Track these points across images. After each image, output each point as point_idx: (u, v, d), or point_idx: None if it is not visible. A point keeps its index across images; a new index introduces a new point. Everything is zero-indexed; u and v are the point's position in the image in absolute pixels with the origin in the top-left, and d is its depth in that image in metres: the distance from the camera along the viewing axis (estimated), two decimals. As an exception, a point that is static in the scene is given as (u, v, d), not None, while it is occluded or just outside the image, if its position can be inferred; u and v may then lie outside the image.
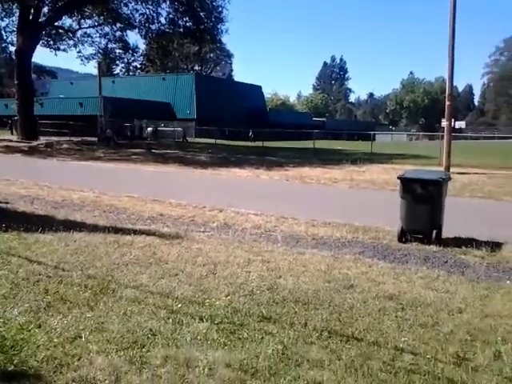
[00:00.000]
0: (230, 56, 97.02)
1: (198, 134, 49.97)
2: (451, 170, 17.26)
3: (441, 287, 5.20)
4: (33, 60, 38.00)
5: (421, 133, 76.61)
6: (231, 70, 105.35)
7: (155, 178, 16.39)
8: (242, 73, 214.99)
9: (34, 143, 31.18)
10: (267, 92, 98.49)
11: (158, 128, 46.61)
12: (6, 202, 9.96)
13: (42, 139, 34.18)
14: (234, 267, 5.74)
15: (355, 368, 3.39)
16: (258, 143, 35.52)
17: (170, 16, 36.99)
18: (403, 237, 7.30)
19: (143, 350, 3.59)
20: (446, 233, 7.35)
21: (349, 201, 11.99)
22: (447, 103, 18.74)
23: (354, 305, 4.61)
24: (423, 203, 7.17)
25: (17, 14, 34.58)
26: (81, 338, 3.76)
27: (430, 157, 23.79)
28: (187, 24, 37.19)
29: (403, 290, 5.05)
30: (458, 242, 7.09)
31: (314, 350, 3.65)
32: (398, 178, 7.55)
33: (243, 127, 48.41)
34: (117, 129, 38.36)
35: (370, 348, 3.71)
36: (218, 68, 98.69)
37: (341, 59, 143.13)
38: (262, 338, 3.84)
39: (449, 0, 17.83)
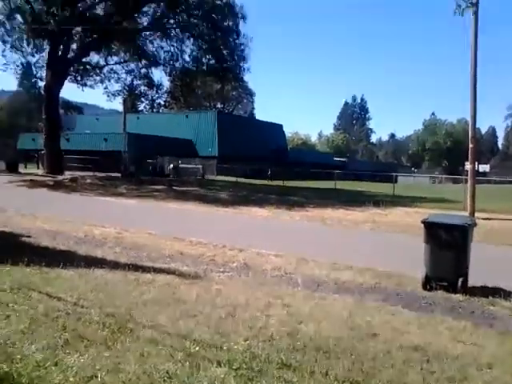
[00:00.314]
0: (251, 94, 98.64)
1: (220, 172, 50.42)
2: (476, 214, 16.96)
3: (468, 339, 5.01)
4: (60, 95, 39.23)
5: (444, 176, 76.00)
6: (253, 108, 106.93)
7: (176, 216, 16.46)
8: (263, 111, 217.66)
9: (60, 178, 31.76)
10: (288, 131, 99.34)
11: (180, 165, 47.23)
12: (29, 236, 10.09)
13: (67, 174, 34.83)
14: (254, 310, 5.64)
15: (379, 424, 3.24)
16: (278, 182, 35.60)
17: (194, 54, 38.04)
18: (428, 284, 7.11)
19: (160, 393, 3.51)
20: (472, 281, 7.14)
21: (371, 244, 11.81)
22: (470, 146, 18.56)
23: (377, 355, 4.45)
24: (448, 249, 7.01)
25: (47, 50, 35.86)
26: (97, 377, 3.70)
27: (453, 201, 23.46)
28: (210, 62, 38.13)
29: (428, 341, 4.88)
30: (485, 292, 6.87)
31: (335, 402, 3.52)
32: (421, 222, 7.42)
33: (265, 165, 48.73)
34: (140, 165, 38.94)
35: (395, 402, 3.55)
36: (240, 106, 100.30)
37: (362, 99, 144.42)
38: (282, 386, 3.72)
39: (470, 40, 17.94)
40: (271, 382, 3.79)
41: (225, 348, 4.41)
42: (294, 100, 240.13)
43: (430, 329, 5.31)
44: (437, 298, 6.71)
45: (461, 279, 6.92)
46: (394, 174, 34.69)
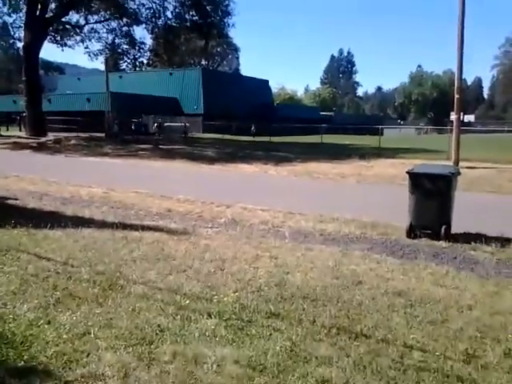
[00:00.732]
0: (236, 50, 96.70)
1: (206, 130, 49.98)
2: (460, 164, 17.13)
3: (450, 284, 5.17)
4: (40, 56, 38.19)
5: (429, 127, 76.13)
6: (238, 64, 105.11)
7: (162, 174, 16.41)
8: (248, 67, 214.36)
9: (43, 139, 31.31)
10: (274, 86, 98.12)
11: (165, 123, 46.64)
12: (16, 199, 10.03)
13: (51, 135, 34.30)
14: (242, 263, 5.74)
15: (364, 365, 3.38)
16: (265, 138, 35.44)
17: (177, 10, 37.06)
18: (412, 232, 7.25)
19: (151, 346, 3.61)
20: (456, 228, 7.29)
21: (357, 196, 11.94)
22: (456, 96, 18.58)
23: (363, 301, 4.59)
24: (432, 198, 7.12)
25: (24, 10, 34.68)
26: (90, 334, 3.78)
27: (438, 151, 23.61)
28: (194, 18, 37.16)
29: (412, 287, 5.03)
30: (468, 238, 7.03)
31: (322, 347, 3.65)
32: (406, 172, 7.50)
33: (251, 122, 48.33)
34: (124, 124, 38.41)
35: (379, 345, 3.69)
36: (225, 62, 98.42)
37: (348, 52, 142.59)
38: (271, 334, 3.84)
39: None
40: (260, 330, 3.90)
41: (215, 300, 4.51)
42: (280, 55, 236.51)
43: (413, 275, 5.45)
44: (420, 245, 6.86)
45: (444, 227, 7.06)
46: (380, 126, 34.61)
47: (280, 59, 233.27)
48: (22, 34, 35.65)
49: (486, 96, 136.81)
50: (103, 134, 36.14)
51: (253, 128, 43.61)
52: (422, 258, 6.23)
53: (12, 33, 40.16)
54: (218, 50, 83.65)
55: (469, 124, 69.65)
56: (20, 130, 43.39)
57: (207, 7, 36.79)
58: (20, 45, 39.18)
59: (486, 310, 4.42)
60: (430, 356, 3.54)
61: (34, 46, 34.11)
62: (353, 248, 6.68)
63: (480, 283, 5.22)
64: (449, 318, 4.25)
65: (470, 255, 6.40)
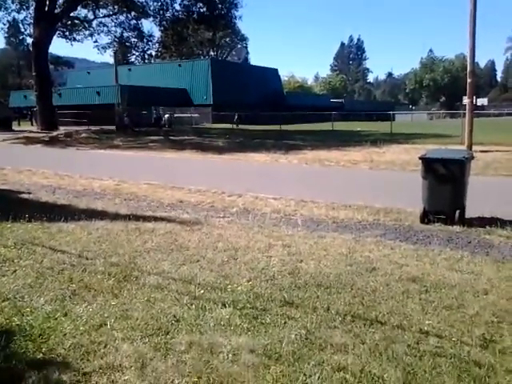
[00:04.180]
0: (244, 39, 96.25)
1: (215, 120, 49.91)
2: (474, 148, 16.92)
3: (465, 268, 5.13)
4: (50, 51, 38.45)
5: (442, 111, 75.27)
6: (247, 53, 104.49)
7: (173, 165, 16.45)
8: (258, 56, 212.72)
9: (54, 133, 31.52)
10: (284, 75, 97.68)
11: (175, 115, 46.66)
12: (29, 193, 10.12)
13: (62, 129, 34.54)
14: (255, 252, 5.74)
15: (379, 352, 3.36)
16: (275, 127, 35.24)
17: (184, 3, 36.90)
18: (425, 218, 7.20)
19: (167, 336, 3.62)
20: (470, 213, 7.23)
21: (369, 182, 11.87)
22: (468, 80, 18.30)
23: (377, 288, 4.57)
24: (446, 183, 7.05)
25: (33, 6, 34.85)
26: (106, 325, 3.80)
27: (451, 135, 23.35)
28: (201, 10, 37.04)
29: (427, 272, 4.99)
30: (482, 222, 6.97)
31: (337, 334, 3.64)
32: (419, 158, 7.43)
33: (261, 111, 48.13)
34: (134, 116, 38.50)
35: (394, 331, 3.68)
36: (234, 53, 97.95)
37: (358, 39, 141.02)
38: (285, 322, 3.84)
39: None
40: (275, 319, 3.91)
41: (229, 290, 4.52)
42: (289, 43, 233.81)
43: (427, 260, 5.42)
44: (434, 230, 6.81)
45: (458, 211, 7.00)
46: (392, 112, 34.30)
47: (289, 48, 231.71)
48: (32, 30, 35.84)
49: (499, 79, 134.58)
50: (114, 127, 36.30)
51: (236, 117, 43.32)
52: (436, 243, 6.19)
53: (22, 29, 40.40)
54: (227, 40, 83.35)
55: (482, 107, 68.76)
56: (31, 125, 43.78)
57: (214, -1, 36.72)
58: (30, 41, 39.38)
59: (503, 295, 4.38)
60: (446, 342, 3.51)
61: (43, 41, 34.32)
62: (366, 235, 6.65)
63: (496, 267, 5.17)
64: (464, 302, 4.21)
65: (484, 239, 6.34)
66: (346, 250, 5.79)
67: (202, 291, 4.49)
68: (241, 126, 39.97)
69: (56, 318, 3.92)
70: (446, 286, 4.59)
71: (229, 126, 40.27)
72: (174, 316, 3.96)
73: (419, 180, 7.40)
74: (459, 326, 3.76)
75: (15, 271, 5.07)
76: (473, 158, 7.79)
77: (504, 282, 4.69)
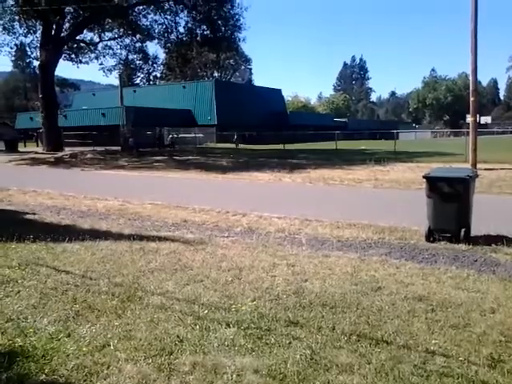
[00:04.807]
0: (248, 61, 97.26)
1: (220, 139, 50.22)
2: (478, 166, 16.92)
3: (471, 287, 5.08)
4: (56, 73, 38.96)
5: (446, 130, 75.41)
6: (251, 75, 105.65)
7: (178, 185, 16.49)
8: (261, 77, 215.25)
9: (59, 154, 31.73)
10: (288, 95, 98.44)
11: (180, 135, 46.99)
12: (34, 213, 10.15)
13: (67, 150, 34.78)
14: (259, 272, 5.71)
15: (386, 372, 3.32)
16: (279, 146, 35.35)
17: (188, 25, 37.44)
18: (431, 236, 7.16)
19: (171, 357, 3.59)
20: (475, 231, 7.18)
21: (373, 201, 11.85)
22: (471, 99, 18.37)
23: (383, 307, 4.53)
24: (450, 202, 7.03)
25: (40, 31, 35.50)
26: (109, 346, 3.78)
27: (455, 154, 23.35)
28: (205, 33, 37.58)
29: (433, 291, 4.95)
30: (488, 240, 6.91)
31: (342, 354, 3.60)
32: (423, 176, 7.42)
33: (264, 131, 48.41)
34: (139, 137, 38.79)
35: (401, 351, 3.63)
36: (238, 74, 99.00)
37: (361, 59, 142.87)
38: (290, 342, 3.80)
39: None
40: (280, 339, 3.87)
41: (233, 310, 4.49)
42: (292, 64, 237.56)
43: (433, 279, 5.37)
44: (440, 249, 6.76)
45: (463, 230, 6.96)
46: (395, 131, 34.35)
47: (293, 68, 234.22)
48: (39, 54, 36.44)
49: (502, 97, 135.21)
50: (119, 148, 36.55)
51: (235, 137, 43.52)
52: (441, 262, 6.14)
53: (29, 52, 41.13)
54: (231, 61, 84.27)
55: (485, 126, 68.93)
56: (37, 146, 44.12)
57: (218, 22, 37.17)
58: (36, 64, 40.02)
59: (510, 313, 4.33)
60: (453, 361, 3.46)
61: (49, 64, 34.87)
62: (371, 253, 6.61)
63: (502, 286, 5.12)
64: (471, 321, 4.17)
65: (491, 258, 6.29)
66: (351, 269, 5.75)
67: (206, 311, 4.46)
68: (245, 146, 40.18)
69: (59, 339, 3.90)
70: (452, 305, 4.55)
71: (233, 145, 40.46)
72: (178, 336, 3.93)
73: (424, 198, 7.38)
74: (466, 346, 3.71)
75: (19, 292, 5.06)
76: (477, 176, 7.78)
77: (511, 301, 4.64)
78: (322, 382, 3.20)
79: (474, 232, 7.16)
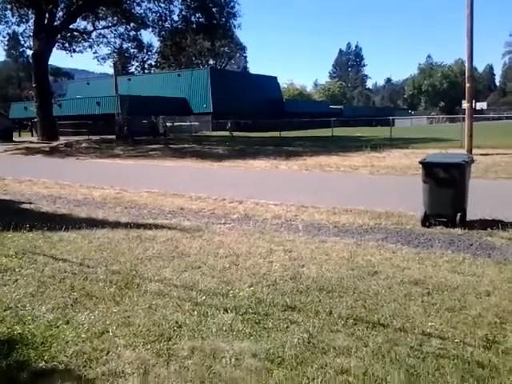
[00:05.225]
0: (243, 48, 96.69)
1: (215, 128, 50.08)
2: (474, 151, 16.94)
3: (467, 270, 5.11)
4: (49, 62, 38.67)
5: (441, 116, 75.34)
6: (246, 63, 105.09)
7: (173, 173, 16.47)
8: (257, 64, 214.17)
9: (54, 143, 31.63)
10: (283, 82, 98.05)
11: (175, 123, 46.81)
12: (30, 203, 10.13)
13: (62, 139, 34.66)
14: (256, 258, 5.73)
15: (382, 354, 3.35)
16: (275, 133, 35.27)
17: (183, 13, 37.14)
18: (427, 221, 7.19)
19: (170, 342, 3.62)
20: (471, 215, 7.22)
21: (369, 187, 11.87)
22: (467, 85, 18.35)
23: (379, 291, 4.56)
24: (446, 187, 7.05)
25: (32, 20, 35.15)
26: (108, 332, 3.80)
27: (451, 140, 23.38)
28: (200, 20, 37.26)
29: (429, 275, 4.98)
30: (484, 225, 6.95)
31: (340, 337, 3.63)
32: (419, 162, 7.44)
33: (260, 118, 48.32)
34: (134, 126, 38.64)
35: (397, 334, 3.66)
36: (233, 61, 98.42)
37: (356, 46, 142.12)
38: (287, 327, 3.83)
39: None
40: (277, 323, 3.90)
41: (230, 295, 4.51)
42: (288, 51, 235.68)
43: (429, 263, 5.40)
44: (436, 233, 6.79)
45: (459, 214, 6.99)
46: (391, 117, 34.32)
47: (288, 55, 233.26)
48: (32, 43, 36.12)
49: (497, 83, 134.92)
50: (114, 136, 36.41)
51: (229, 125, 43.35)
52: (437, 246, 6.18)
53: (22, 42, 40.69)
54: (226, 49, 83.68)
55: (481, 111, 68.91)
56: (32, 136, 43.93)
57: (213, 9, 36.84)
58: (30, 53, 39.69)
59: (505, 296, 4.37)
60: (449, 343, 3.50)
61: (43, 53, 34.61)
62: (367, 239, 6.64)
63: (498, 269, 5.15)
64: (467, 304, 4.20)
65: (486, 241, 6.33)
66: (348, 254, 5.78)
67: (204, 297, 4.48)
68: (240, 134, 40.04)
69: (58, 326, 3.91)
70: (448, 288, 4.58)
71: (228, 133, 40.36)
72: (176, 322, 3.95)
73: (420, 184, 7.40)
74: (462, 328, 3.74)
75: (17, 280, 5.07)
76: (473, 161, 7.79)
77: (506, 284, 4.68)
78: (320, 365, 3.23)
79: (469, 216, 7.19)
